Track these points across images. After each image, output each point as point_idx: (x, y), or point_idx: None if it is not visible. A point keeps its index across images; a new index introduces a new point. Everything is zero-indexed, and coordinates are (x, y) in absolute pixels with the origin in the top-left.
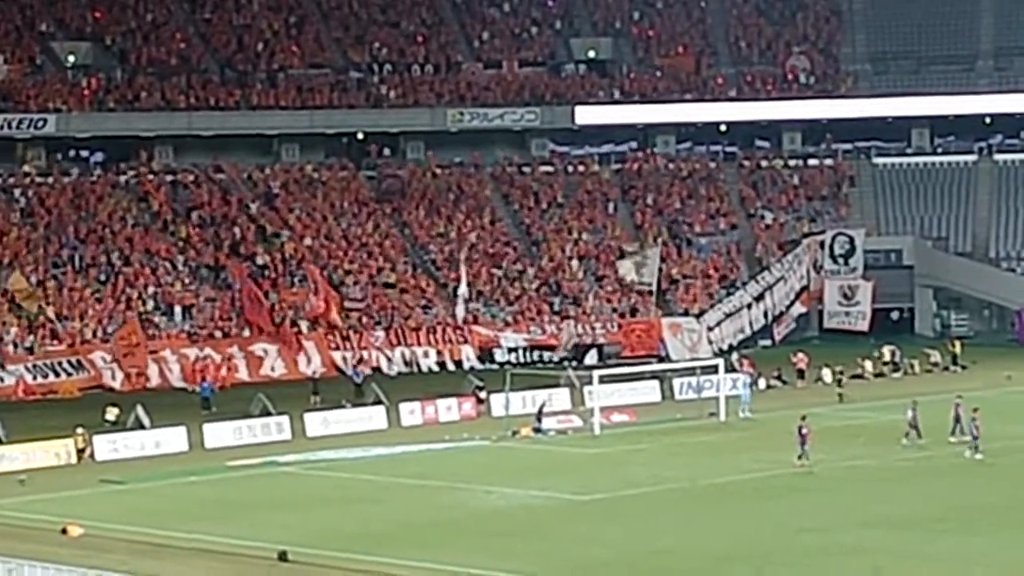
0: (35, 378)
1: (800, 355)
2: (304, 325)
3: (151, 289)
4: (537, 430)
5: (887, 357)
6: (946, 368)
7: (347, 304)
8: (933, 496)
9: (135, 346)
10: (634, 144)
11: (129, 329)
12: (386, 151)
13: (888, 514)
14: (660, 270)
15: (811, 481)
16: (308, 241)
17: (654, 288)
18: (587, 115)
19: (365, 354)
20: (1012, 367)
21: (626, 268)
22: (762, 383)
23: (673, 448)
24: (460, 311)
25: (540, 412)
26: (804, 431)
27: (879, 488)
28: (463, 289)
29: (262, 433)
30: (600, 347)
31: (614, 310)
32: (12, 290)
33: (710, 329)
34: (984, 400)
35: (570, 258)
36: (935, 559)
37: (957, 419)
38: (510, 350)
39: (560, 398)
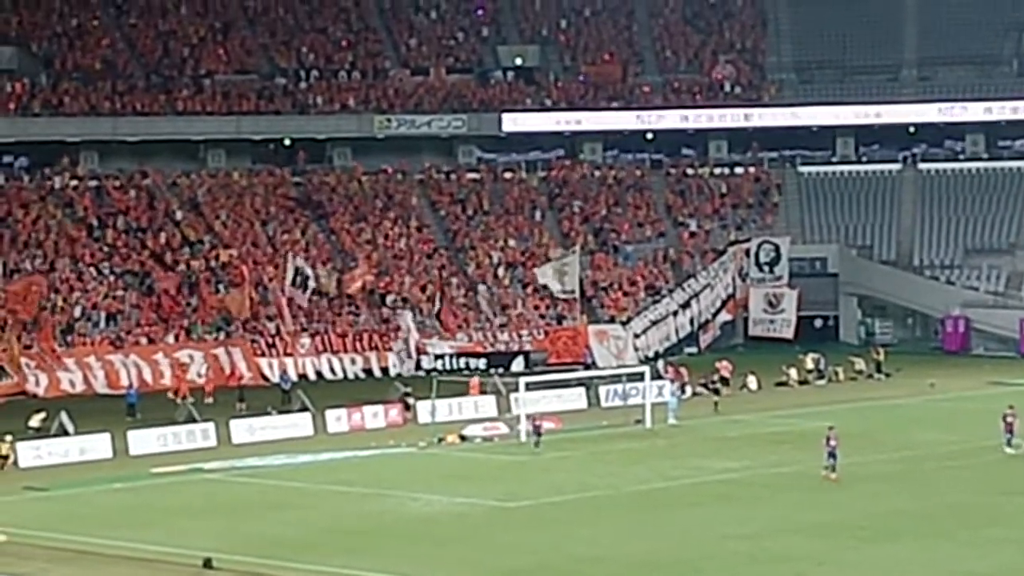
0: None
1: (724, 363)
2: (231, 330)
3: (76, 295)
4: (464, 437)
5: (811, 365)
6: (870, 376)
7: (271, 311)
8: (857, 503)
9: (52, 351)
10: (561, 151)
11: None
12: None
13: (813, 521)
14: (582, 278)
15: (737, 489)
16: (234, 248)
17: (576, 295)
18: (514, 122)
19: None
20: (935, 375)
21: (546, 276)
22: (688, 391)
23: (599, 455)
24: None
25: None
26: (833, 442)
27: (804, 495)
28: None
29: (187, 440)
30: (527, 354)
31: (541, 317)
32: None
33: (636, 336)
34: (907, 408)
35: (497, 265)
36: (858, 566)
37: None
38: (436, 357)
39: (486, 405)
